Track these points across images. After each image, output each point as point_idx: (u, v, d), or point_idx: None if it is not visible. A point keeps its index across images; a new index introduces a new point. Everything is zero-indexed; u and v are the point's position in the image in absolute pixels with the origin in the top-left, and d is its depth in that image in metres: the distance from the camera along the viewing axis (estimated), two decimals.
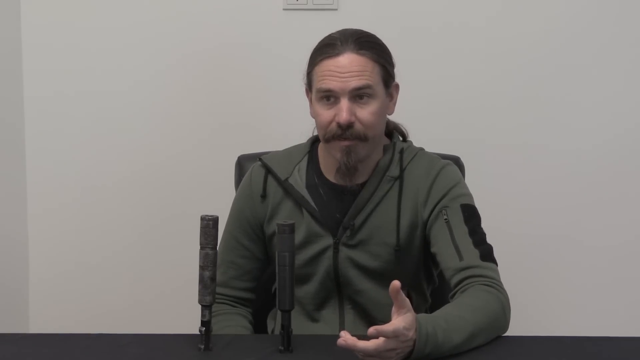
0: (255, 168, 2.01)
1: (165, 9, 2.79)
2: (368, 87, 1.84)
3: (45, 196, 2.87)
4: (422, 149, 1.98)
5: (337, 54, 1.84)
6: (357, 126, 1.84)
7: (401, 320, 1.53)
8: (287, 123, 2.74)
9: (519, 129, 2.78)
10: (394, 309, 1.56)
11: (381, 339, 1.51)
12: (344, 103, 1.82)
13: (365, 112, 1.84)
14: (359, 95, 1.83)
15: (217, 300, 1.73)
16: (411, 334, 1.54)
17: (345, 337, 1.51)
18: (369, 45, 1.87)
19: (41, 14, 2.80)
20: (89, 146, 2.85)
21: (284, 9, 2.77)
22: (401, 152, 1.94)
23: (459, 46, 2.76)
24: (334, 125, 1.84)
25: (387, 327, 1.51)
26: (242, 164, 2.21)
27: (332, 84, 1.83)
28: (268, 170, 1.97)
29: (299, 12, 2.76)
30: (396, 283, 1.53)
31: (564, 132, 2.78)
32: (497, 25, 2.76)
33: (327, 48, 1.85)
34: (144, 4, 2.79)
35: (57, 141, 2.85)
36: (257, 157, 2.05)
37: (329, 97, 1.84)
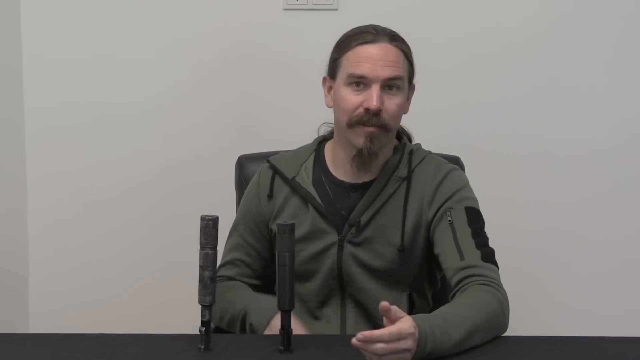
0: (263, 169, 2.02)
1: (166, 10, 2.79)
2: (399, 78, 1.86)
3: (45, 196, 2.87)
4: (430, 152, 1.99)
5: (373, 41, 1.86)
6: (384, 115, 1.85)
7: (405, 321, 1.54)
8: (288, 123, 2.75)
9: (519, 129, 2.79)
10: (386, 322, 1.55)
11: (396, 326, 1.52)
12: (375, 90, 1.84)
13: (392, 103, 1.86)
14: (389, 85, 1.86)
15: (219, 281, 1.73)
16: (416, 335, 1.55)
17: (359, 336, 1.50)
18: (402, 40, 1.91)
19: (41, 9, 2.80)
20: (89, 147, 2.85)
21: (284, 9, 2.77)
22: (410, 153, 1.95)
23: (459, 46, 2.76)
24: (360, 110, 1.85)
25: (387, 329, 1.52)
26: (242, 164, 2.22)
27: (366, 70, 1.84)
28: (275, 171, 1.99)
29: (299, 12, 2.76)
30: (384, 304, 1.53)
31: (564, 133, 2.78)
32: (498, 26, 2.76)
33: (363, 34, 1.88)
34: (144, 5, 2.79)
35: (57, 142, 2.85)
36: (257, 157, 2.06)
37: (359, 83, 1.86)
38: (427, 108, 2.76)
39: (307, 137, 2.06)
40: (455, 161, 2.15)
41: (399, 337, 1.52)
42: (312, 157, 1.99)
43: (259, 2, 2.77)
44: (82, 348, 1.67)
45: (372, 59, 1.85)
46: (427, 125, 2.67)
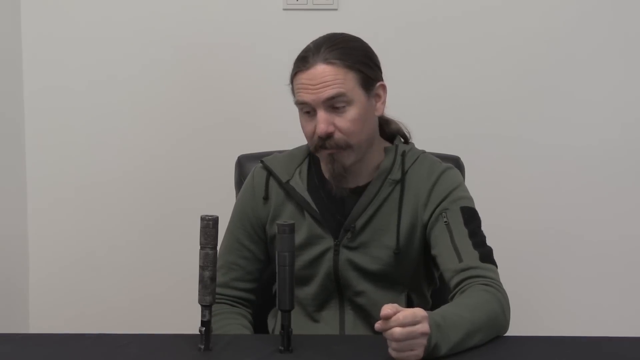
0: (257, 170, 2.01)
1: (165, 11, 2.79)
2: (341, 95, 1.83)
3: (45, 196, 2.87)
4: (424, 152, 1.98)
5: (308, 68, 1.84)
6: (337, 135, 1.84)
7: (410, 309, 1.56)
8: (288, 123, 2.72)
9: (519, 129, 2.79)
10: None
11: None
12: (320, 115, 1.83)
13: (344, 121, 1.84)
14: (334, 104, 1.83)
15: (217, 301, 1.73)
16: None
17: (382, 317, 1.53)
18: (340, 52, 1.85)
19: (41, 10, 2.81)
20: (89, 147, 2.85)
21: (284, 9, 2.77)
22: (403, 154, 1.93)
23: (459, 45, 2.76)
24: (316, 136, 1.85)
25: (401, 313, 1.53)
26: (242, 164, 2.21)
27: (305, 96, 1.84)
28: (269, 173, 1.98)
29: (299, 12, 2.76)
30: (384, 314, 1.54)
31: (564, 131, 2.78)
32: (498, 24, 2.76)
33: (300, 62, 1.86)
34: (143, 6, 2.79)
35: (57, 141, 2.85)
36: (257, 157, 2.05)
37: (308, 110, 1.85)
38: (427, 108, 2.77)
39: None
40: (455, 161, 2.14)
41: (414, 320, 1.53)
42: (307, 160, 1.98)
43: (259, 2, 2.77)
44: (82, 348, 1.67)
45: (308, 84, 1.83)
46: (427, 125, 2.68)
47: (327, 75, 1.82)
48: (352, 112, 1.84)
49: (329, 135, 1.83)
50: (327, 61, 1.83)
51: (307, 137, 1.89)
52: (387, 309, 1.54)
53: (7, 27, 2.78)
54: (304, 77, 1.84)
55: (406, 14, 2.75)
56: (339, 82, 1.83)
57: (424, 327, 1.54)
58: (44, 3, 2.81)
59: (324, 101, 1.82)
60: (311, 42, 1.89)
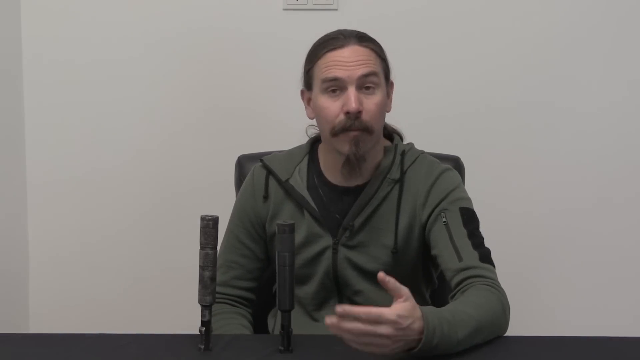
0: (256, 169, 2.01)
1: (165, 11, 2.79)
2: (374, 74, 1.85)
3: (45, 196, 2.87)
4: (423, 153, 1.98)
5: (342, 46, 1.85)
6: (365, 116, 1.83)
7: (396, 307, 1.51)
8: (287, 123, 2.73)
9: (519, 129, 2.79)
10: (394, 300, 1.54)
11: (372, 309, 1.49)
12: (352, 91, 1.83)
13: (372, 103, 1.84)
14: (365, 84, 1.84)
15: (217, 300, 1.73)
16: (406, 323, 1.51)
17: (339, 309, 1.48)
18: (370, 39, 1.90)
19: (41, 10, 2.80)
20: (89, 146, 2.85)
21: (284, 9, 2.77)
22: (402, 154, 1.94)
23: (459, 46, 2.76)
24: (341, 116, 1.84)
25: (368, 308, 1.50)
26: (242, 164, 2.22)
27: (339, 72, 1.83)
28: (269, 171, 1.98)
29: (299, 12, 2.76)
30: (380, 275, 1.52)
31: (564, 131, 2.78)
32: (498, 24, 2.76)
33: (331, 41, 1.87)
34: (143, 6, 2.79)
35: (57, 142, 2.85)
36: (257, 157, 2.05)
37: (335, 88, 1.84)
38: (427, 108, 2.77)
39: (307, 137, 2.05)
40: (455, 161, 2.15)
41: (377, 321, 1.49)
42: (307, 159, 1.98)
43: (259, 2, 2.77)
44: (82, 348, 1.67)
45: (342, 61, 1.84)
46: (427, 125, 2.69)
47: (362, 55, 1.85)
48: (378, 97, 1.86)
49: (357, 115, 1.82)
50: (361, 43, 1.86)
51: (327, 119, 1.86)
52: (382, 273, 1.52)
53: (7, 27, 2.78)
54: (336, 55, 1.85)
55: (406, 13, 2.75)
56: (372, 61, 1.85)
57: (385, 329, 1.49)
58: (43, 3, 2.81)
59: (358, 77, 1.83)
60: (332, 32, 1.91)
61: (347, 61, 1.83)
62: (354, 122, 1.83)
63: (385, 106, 1.89)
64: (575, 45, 2.76)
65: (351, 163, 1.87)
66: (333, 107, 1.85)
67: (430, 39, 2.76)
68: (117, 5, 2.80)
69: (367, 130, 1.84)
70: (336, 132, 1.85)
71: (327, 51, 1.86)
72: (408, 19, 2.75)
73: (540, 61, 2.76)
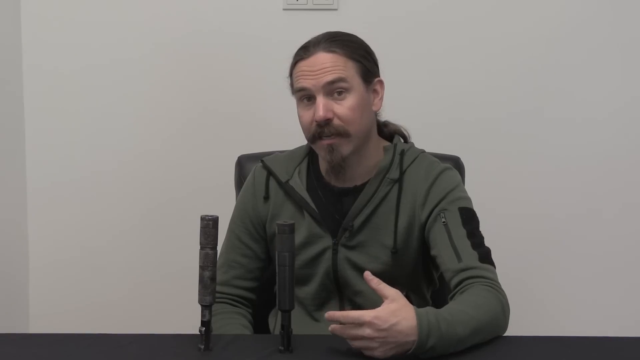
0: (257, 169, 2.02)
1: (165, 11, 2.79)
2: (341, 80, 1.84)
3: (45, 197, 2.87)
4: (423, 152, 1.98)
5: (309, 55, 1.86)
6: (336, 122, 1.84)
7: (378, 309, 1.57)
8: (287, 123, 2.72)
9: (519, 129, 2.79)
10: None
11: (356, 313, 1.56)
12: (320, 100, 1.84)
13: (343, 107, 1.84)
14: (334, 90, 1.84)
15: (217, 300, 1.73)
16: (386, 324, 1.55)
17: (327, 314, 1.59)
18: (341, 43, 1.88)
19: (41, 11, 2.81)
20: (89, 147, 2.85)
21: (284, 9, 2.77)
22: (402, 153, 1.94)
23: (459, 46, 2.76)
24: (314, 125, 1.85)
25: (347, 312, 1.58)
26: (242, 164, 2.22)
27: (305, 82, 1.85)
28: (269, 172, 1.98)
29: (299, 12, 2.76)
30: (366, 274, 1.61)
31: (564, 130, 2.78)
32: (498, 25, 2.76)
33: (300, 51, 1.89)
34: (143, 6, 2.79)
35: (57, 142, 2.85)
36: (257, 157, 2.06)
37: (307, 97, 1.86)
38: (427, 108, 2.77)
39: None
40: (455, 161, 2.14)
41: (357, 322, 1.55)
42: (306, 160, 1.99)
43: (259, 2, 2.77)
44: (82, 348, 1.67)
45: (308, 71, 1.85)
46: (427, 125, 2.68)
47: (327, 62, 1.85)
48: (350, 100, 1.85)
49: (327, 122, 1.83)
50: (327, 50, 1.86)
51: (304, 128, 1.89)
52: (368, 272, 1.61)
53: (7, 28, 2.78)
54: (304, 65, 1.86)
55: (406, 14, 2.75)
56: (339, 68, 1.85)
57: (366, 331, 1.55)
58: (44, 4, 2.81)
59: (323, 85, 1.83)
60: (306, 41, 1.91)
61: (313, 70, 1.84)
62: (324, 130, 1.85)
63: (365, 107, 1.88)
64: (576, 51, 2.75)
65: (334, 168, 1.89)
66: (306, 115, 1.87)
67: (430, 39, 2.75)
68: (117, 7, 2.80)
69: (341, 135, 1.85)
70: (313, 140, 1.88)
71: (297, 61, 1.88)
72: (407, 19, 2.75)
73: (542, 63, 2.76)
